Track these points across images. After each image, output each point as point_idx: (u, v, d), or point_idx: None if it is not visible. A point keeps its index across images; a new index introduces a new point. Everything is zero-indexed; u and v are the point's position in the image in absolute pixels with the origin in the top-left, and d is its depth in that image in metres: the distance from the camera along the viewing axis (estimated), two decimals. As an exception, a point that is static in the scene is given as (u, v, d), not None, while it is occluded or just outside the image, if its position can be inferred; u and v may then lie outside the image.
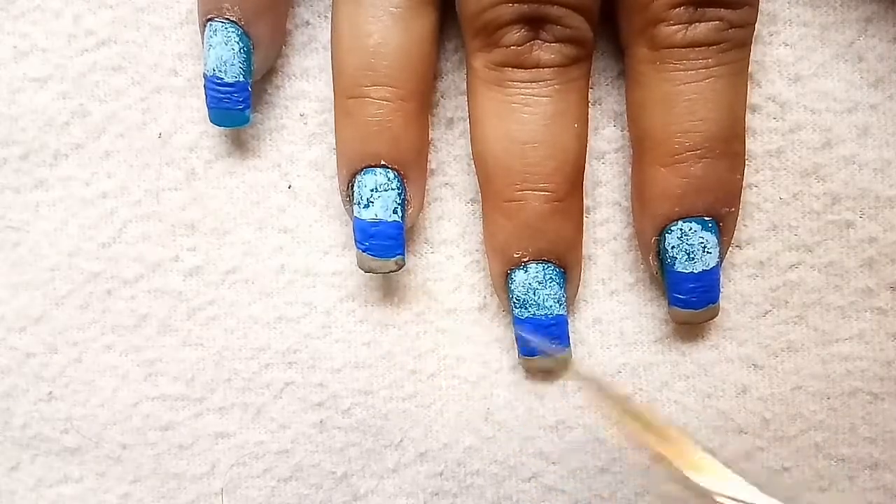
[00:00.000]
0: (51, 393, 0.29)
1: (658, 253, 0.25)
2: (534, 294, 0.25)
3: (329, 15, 0.27)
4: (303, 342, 0.28)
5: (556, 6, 0.24)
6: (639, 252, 0.27)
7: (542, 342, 0.26)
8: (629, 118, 0.26)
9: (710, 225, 0.25)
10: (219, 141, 0.28)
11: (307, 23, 0.28)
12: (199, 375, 0.28)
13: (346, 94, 0.25)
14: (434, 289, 0.28)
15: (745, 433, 0.27)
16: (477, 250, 0.28)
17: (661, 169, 0.25)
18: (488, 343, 0.28)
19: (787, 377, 0.27)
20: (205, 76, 0.26)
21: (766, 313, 0.27)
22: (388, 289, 0.28)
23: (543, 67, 0.24)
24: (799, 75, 0.26)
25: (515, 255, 0.25)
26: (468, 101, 0.26)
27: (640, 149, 0.25)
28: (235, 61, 0.26)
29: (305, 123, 0.28)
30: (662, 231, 0.25)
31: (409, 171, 0.26)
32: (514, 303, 0.26)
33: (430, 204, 0.28)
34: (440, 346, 0.28)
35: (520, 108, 0.25)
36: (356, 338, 0.28)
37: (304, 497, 0.28)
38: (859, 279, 0.27)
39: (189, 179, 0.28)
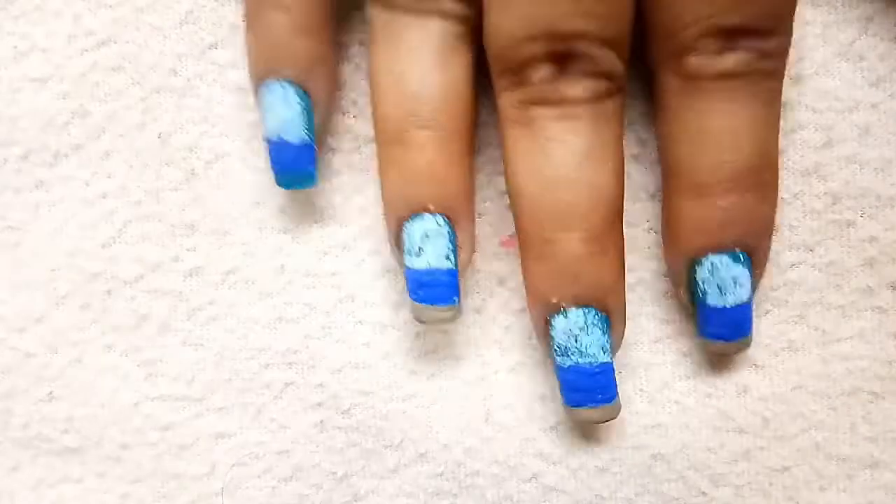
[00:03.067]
0: (51, 393, 0.29)
1: (688, 286, 0.25)
2: (576, 341, 0.24)
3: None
4: (303, 342, 0.28)
5: (583, 41, 0.23)
6: (638, 253, 0.27)
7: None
8: (658, 149, 0.25)
9: (741, 258, 0.24)
10: (219, 141, 0.28)
11: (307, 22, 0.28)
12: (200, 376, 0.28)
13: (388, 140, 0.25)
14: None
15: (746, 433, 0.27)
16: (475, 252, 0.28)
17: (690, 201, 0.24)
18: (488, 344, 0.28)
19: (787, 377, 0.27)
20: (267, 140, 0.25)
21: (767, 313, 0.27)
22: (388, 290, 0.28)
23: (572, 103, 0.23)
24: (800, 75, 0.26)
25: (553, 301, 0.24)
26: (501, 140, 0.25)
27: (670, 180, 0.25)
28: (298, 120, 0.25)
29: (305, 124, 0.28)
30: (693, 264, 0.25)
31: (458, 215, 0.25)
32: (556, 350, 0.24)
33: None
34: (440, 347, 0.28)
35: (550, 147, 0.24)
36: (356, 338, 0.28)
37: (304, 497, 0.28)
38: (860, 278, 0.27)
39: (189, 179, 0.28)
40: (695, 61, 0.23)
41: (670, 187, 0.25)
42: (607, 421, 0.25)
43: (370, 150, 0.28)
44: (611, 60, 0.23)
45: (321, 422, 0.28)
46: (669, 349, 0.27)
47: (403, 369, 0.28)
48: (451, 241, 0.25)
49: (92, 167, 0.28)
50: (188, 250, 0.28)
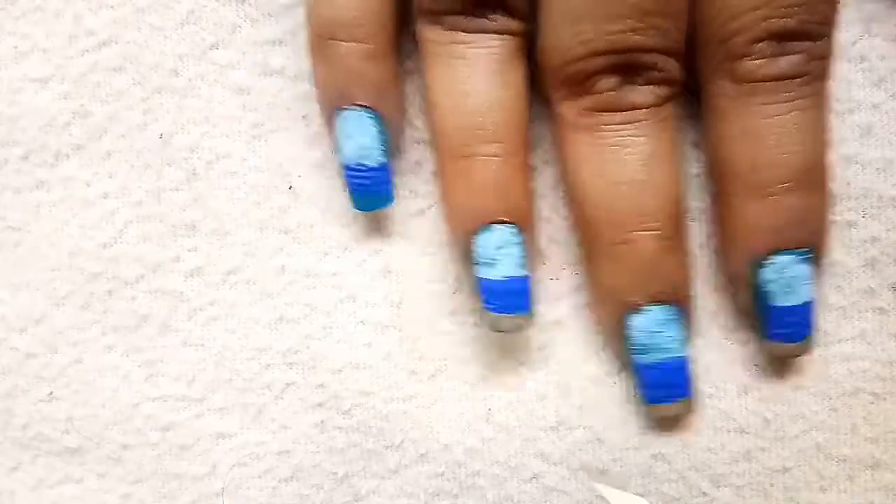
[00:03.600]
0: (51, 393, 0.29)
1: (751, 287, 0.25)
2: (655, 338, 0.25)
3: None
4: (303, 343, 0.28)
5: (647, 53, 0.23)
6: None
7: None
8: (710, 152, 0.26)
9: (805, 256, 0.24)
10: (220, 142, 0.28)
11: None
12: (200, 376, 0.28)
13: (452, 155, 0.25)
14: (434, 290, 0.28)
15: (746, 433, 0.27)
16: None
17: (751, 203, 0.24)
18: (488, 345, 0.28)
19: (788, 377, 0.27)
20: (345, 166, 0.26)
21: (768, 313, 0.27)
22: (389, 290, 0.28)
23: (637, 109, 0.24)
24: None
25: (630, 300, 0.25)
26: (560, 149, 0.26)
27: (726, 183, 0.25)
28: (375, 144, 0.25)
29: (307, 125, 0.28)
30: (757, 265, 0.25)
31: (526, 224, 0.25)
32: (634, 349, 0.25)
33: (431, 207, 0.28)
34: (440, 348, 0.28)
35: (618, 151, 0.24)
36: (357, 339, 0.28)
37: (304, 497, 0.28)
38: (861, 279, 0.27)
39: (190, 180, 0.28)
40: (749, 65, 0.24)
41: (729, 189, 0.25)
42: (686, 414, 0.26)
43: (371, 150, 0.28)
44: (672, 67, 0.24)
45: (322, 422, 0.28)
46: (670, 350, 0.27)
47: (404, 370, 0.28)
48: (522, 249, 0.25)
49: (93, 167, 0.28)
50: (189, 250, 0.28)
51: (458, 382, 0.28)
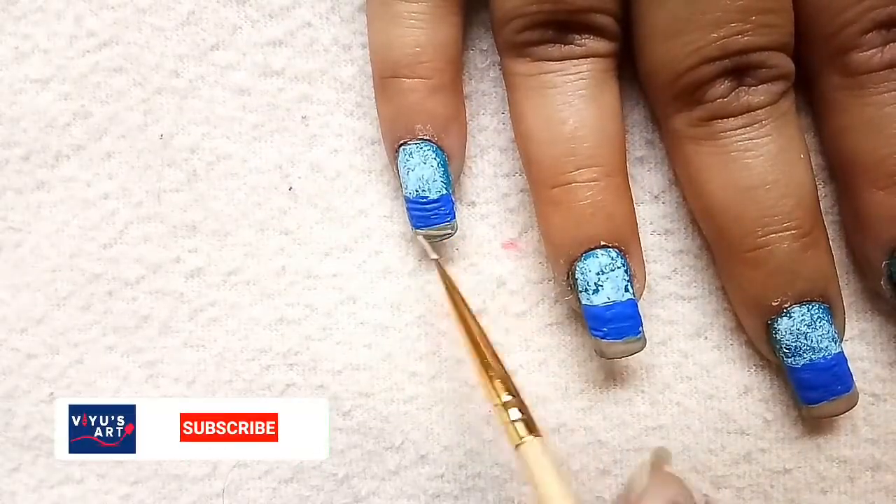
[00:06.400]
0: (52, 394, 0.29)
1: (890, 277, 0.25)
2: (805, 338, 0.24)
3: (330, 17, 0.28)
4: (304, 344, 0.28)
5: (758, 52, 0.23)
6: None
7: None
8: (830, 145, 0.26)
9: None
10: (220, 143, 0.28)
11: (308, 24, 0.28)
12: (201, 377, 0.28)
13: (549, 184, 0.25)
14: (434, 292, 0.28)
15: (747, 434, 0.27)
16: (476, 253, 0.28)
17: (879, 192, 0.24)
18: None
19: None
20: (407, 199, 0.26)
21: (769, 314, 0.27)
22: (389, 291, 0.28)
23: (756, 110, 0.24)
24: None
25: (774, 304, 0.24)
26: (675, 162, 0.26)
27: (851, 175, 0.25)
28: (436, 177, 0.26)
29: (307, 125, 0.28)
30: (891, 255, 0.24)
31: (629, 246, 0.25)
32: (785, 352, 0.25)
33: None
34: (441, 349, 0.28)
35: (741, 156, 0.24)
36: (357, 340, 0.28)
37: (304, 499, 0.28)
38: (861, 280, 0.27)
39: (190, 181, 0.28)
40: (859, 57, 0.24)
41: (858, 182, 0.25)
42: (848, 411, 0.25)
43: (372, 150, 0.28)
44: (784, 62, 0.24)
45: (322, 423, 0.28)
46: (671, 351, 0.27)
47: (404, 371, 0.28)
48: (626, 273, 0.25)
49: (93, 168, 0.28)
50: (189, 251, 0.28)
51: (458, 384, 0.28)
